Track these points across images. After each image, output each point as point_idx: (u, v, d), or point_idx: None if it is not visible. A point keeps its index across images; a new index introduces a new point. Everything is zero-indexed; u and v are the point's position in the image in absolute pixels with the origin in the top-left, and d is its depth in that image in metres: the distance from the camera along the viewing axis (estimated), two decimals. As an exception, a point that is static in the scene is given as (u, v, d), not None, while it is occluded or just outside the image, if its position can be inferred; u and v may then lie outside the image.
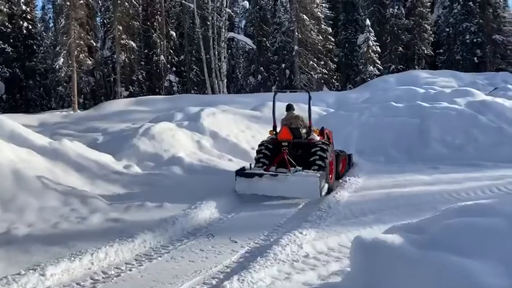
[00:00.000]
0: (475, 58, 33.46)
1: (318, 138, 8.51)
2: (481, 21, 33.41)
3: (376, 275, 2.63)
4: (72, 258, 4.80)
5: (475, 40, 33.32)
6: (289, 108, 9.01)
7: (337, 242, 5.44)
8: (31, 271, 4.46)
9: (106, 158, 9.79)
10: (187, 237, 5.84)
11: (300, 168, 7.71)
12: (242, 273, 4.30)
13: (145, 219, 6.49)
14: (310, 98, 8.76)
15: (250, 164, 8.18)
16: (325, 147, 8.06)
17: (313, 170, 7.69)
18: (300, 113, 9.30)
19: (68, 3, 25.05)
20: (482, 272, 2.21)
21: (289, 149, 8.11)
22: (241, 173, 7.80)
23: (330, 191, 8.02)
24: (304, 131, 8.56)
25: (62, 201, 7.27)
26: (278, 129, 8.76)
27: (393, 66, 32.95)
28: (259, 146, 8.47)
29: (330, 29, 32.31)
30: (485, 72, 30.00)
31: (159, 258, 5.10)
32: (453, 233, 2.60)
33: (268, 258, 4.72)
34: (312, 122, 8.76)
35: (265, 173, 7.66)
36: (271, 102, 14.05)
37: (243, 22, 42.61)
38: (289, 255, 4.91)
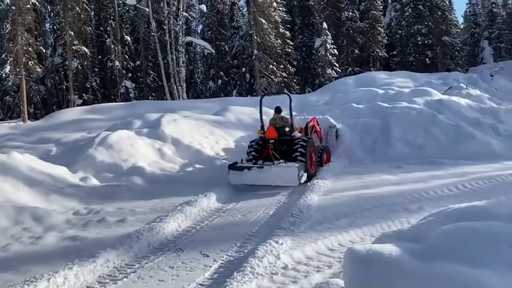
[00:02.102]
0: (427, 59, 34.67)
1: (299, 135, 9.82)
2: (430, 23, 34.70)
3: (374, 291, 2.40)
4: (26, 286, 4.27)
5: (426, 42, 34.52)
6: (277, 110, 10.18)
7: (314, 249, 5.20)
8: (-23, 304, 3.93)
9: (60, 171, 9.18)
10: (154, 253, 5.42)
11: (283, 161, 9.04)
12: (219, 292, 3.97)
13: (106, 235, 6.04)
14: (291, 100, 10.18)
15: (242, 159, 9.30)
16: (304, 143, 9.39)
17: (296, 162, 8.99)
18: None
19: (14, 7, 23.65)
20: (495, 282, 2.03)
21: (275, 145, 9.44)
22: (233, 167, 8.96)
23: (311, 177, 9.29)
24: (287, 129, 9.81)
25: (13, 220, 6.67)
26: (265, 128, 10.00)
27: (350, 69, 33.52)
28: (250, 143, 9.76)
29: (287, 33, 32.44)
30: (436, 72, 31.13)
31: (125, 279, 4.65)
32: (454, 240, 2.41)
33: (245, 272, 4.39)
34: (293, 121, 10.15)
35: (252, 166, 8.88)
36: (233, 107, 14.66)
37: (200, 26, 42.17)
38: (267, 268, 4.60)
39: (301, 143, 9.38)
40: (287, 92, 12.18)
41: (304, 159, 9.13)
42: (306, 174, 9.06)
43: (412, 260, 2.37)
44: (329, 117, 12.97)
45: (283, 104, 11.03)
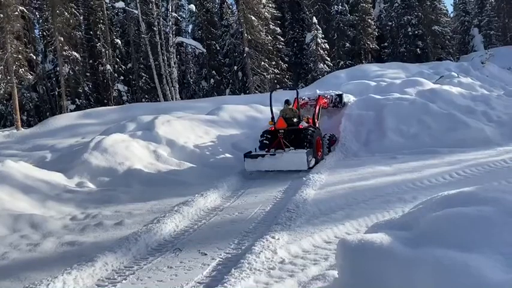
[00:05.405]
0: (418, 49, 34.79)
1: (306, 124, 10.55)
2: (420, 13, 34.81)
3: (367, 280, 2.44)
4: (25, 293, 4.31)
5: (416, 32, 34.66)
6: (286, 102, 11.04)
7: (311, 243, 5.25)
8: (-23, 313, 3.94)
9: (56, 177, 9.18)
10: (152, 254, 5.45)
11: (293, 148, 9.80)
12: (217, 289, 4.00)
13: (104, 239, 6.07)
14: (297, 93, 11.30)
15: (256, 148, 10.10)
16: (311, 132, 10.18)
17: (305, 148, 9.69)
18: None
19: (1, 15, 23.48)
20: (483, 265, 2.07)
21: (285, 135, 10.13)
22: (248, 155, 9.70)
23: (318, 162, 10.17)
24: (296, 119, 10.53)
25: (10, 228, 6.67)
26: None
27: (342, 62, 33.57)
28: (262, 134, 10.51)
29: (278, 29, 32.43)
30: (428, 62, 31.23)
31: (124, 281, 4.68)
32: (444, 226, 2.45)
33: (242, 268, 4.43)
34: (301, 113, 10.92)
35: (265, 153, 9.62)
36: (227, 106, 15.02)
37: (190, 26, 42.08)
38: (265, 263, 4.65)
39: (308, 132, 10.17)
40: (296, 88, 13.50)
41: (311, 146, 9.90)
42: (314, 159, 9.87)
43: (403, 247, 2.41)
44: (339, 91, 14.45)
45: (278, 100, 11.53)
